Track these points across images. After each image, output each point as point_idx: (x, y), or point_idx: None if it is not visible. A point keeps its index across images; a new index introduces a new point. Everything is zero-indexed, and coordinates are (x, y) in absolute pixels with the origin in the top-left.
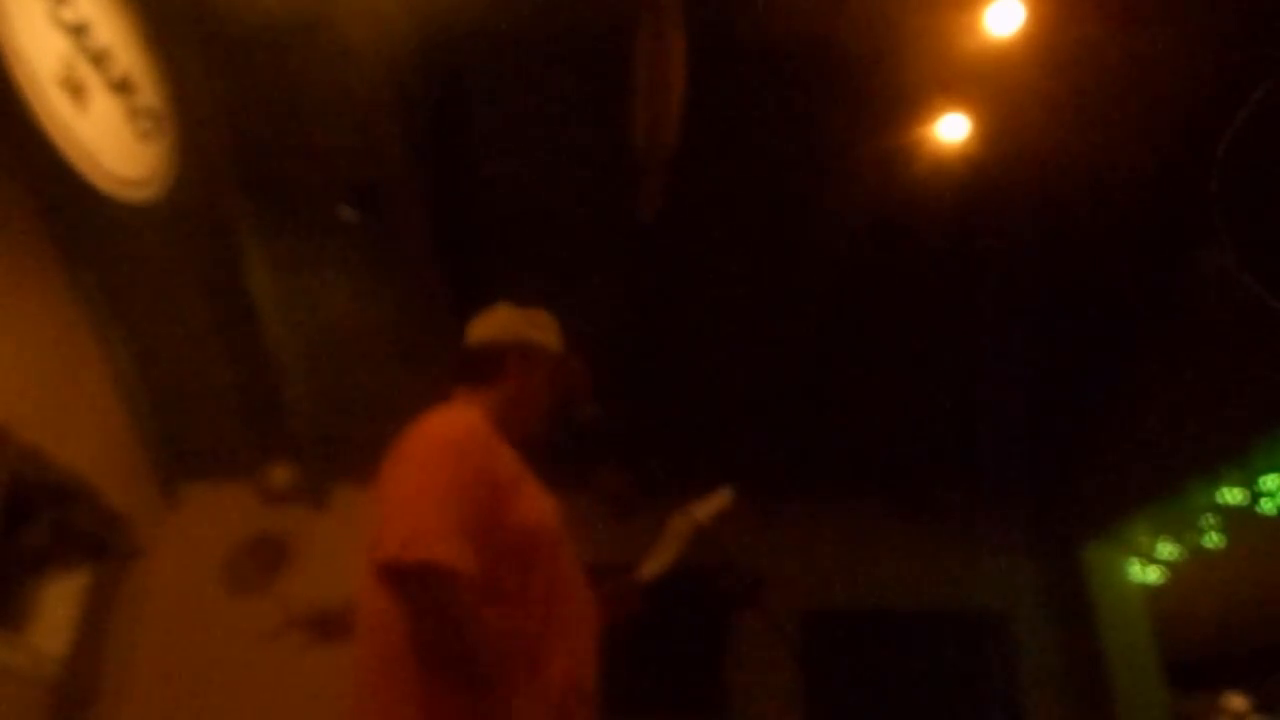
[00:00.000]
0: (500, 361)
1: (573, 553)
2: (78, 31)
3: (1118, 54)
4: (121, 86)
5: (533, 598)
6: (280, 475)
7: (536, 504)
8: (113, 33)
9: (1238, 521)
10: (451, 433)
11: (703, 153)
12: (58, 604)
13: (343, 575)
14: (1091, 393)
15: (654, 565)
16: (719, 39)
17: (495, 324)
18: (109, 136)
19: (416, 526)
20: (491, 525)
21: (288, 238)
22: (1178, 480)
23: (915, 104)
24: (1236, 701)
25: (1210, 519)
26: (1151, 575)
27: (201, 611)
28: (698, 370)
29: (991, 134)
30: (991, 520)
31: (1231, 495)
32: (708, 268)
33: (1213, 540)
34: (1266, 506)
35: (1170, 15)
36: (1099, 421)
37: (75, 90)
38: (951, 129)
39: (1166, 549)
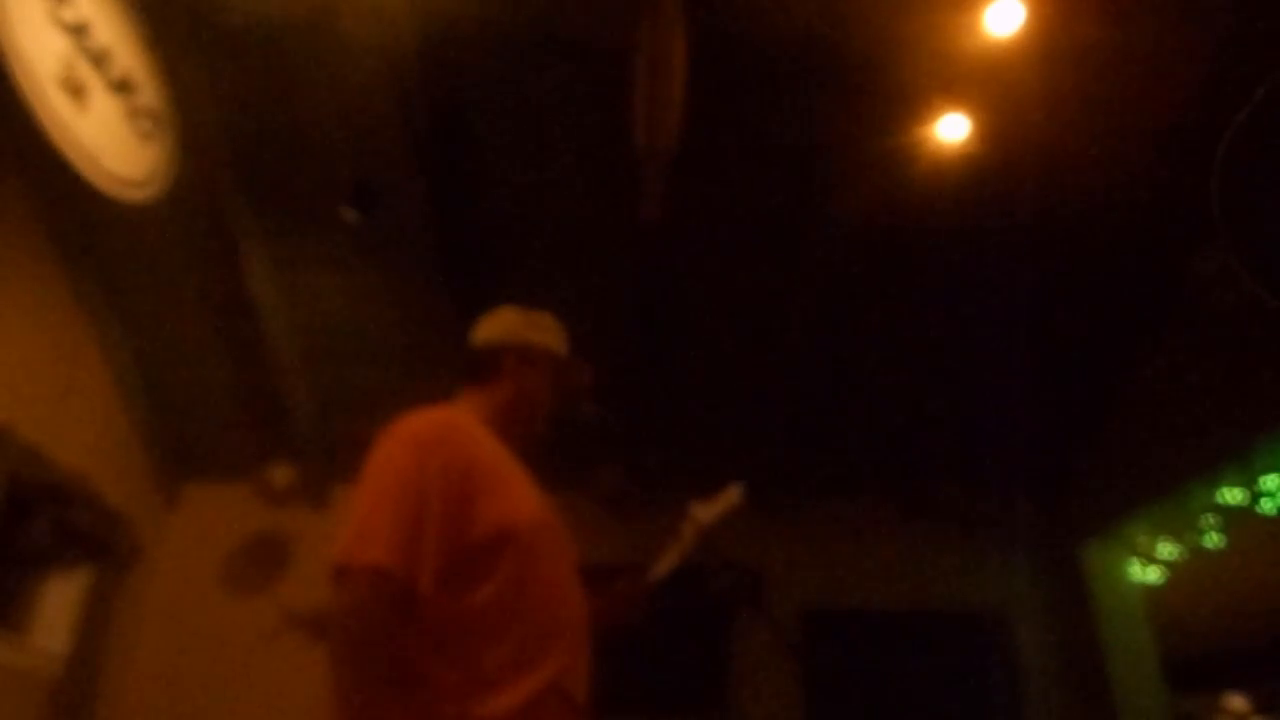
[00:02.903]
0: (498, 363)
1: (567, 556)
2: (78, 31)
3: (1118, 54)
4: (121, 86)
5: (500, 590)
6: (280, 475)
7: (516, 497)
8: (113, 33)
9: (1238, 521)
10: (416, 430)
11: (704, 152)
12: (58, 604)
13: None
14: (1091, 392)
15: (665, 564)
16: (720, 38)
17: (496, 326)
18: (109, 136)
19: (361, 531)
20: (462, 514)
21: (287, 237)
22: (1178, 480)
23: (915, 104)
24: (1236, 701)
25: (1210, 519)
26: (1151, 575)
27: (201, 611)
28: (698, 370)
29: (991, 134)
30: (991, 520)
31: (1231, 495)
32: (708, 267)
33: (1213, 540)
34: (1266, 506)
35: (1170, 15)
36: (1099, 421)
37: (75, 90)
38: (951, 129)
39: (1166, 549)
